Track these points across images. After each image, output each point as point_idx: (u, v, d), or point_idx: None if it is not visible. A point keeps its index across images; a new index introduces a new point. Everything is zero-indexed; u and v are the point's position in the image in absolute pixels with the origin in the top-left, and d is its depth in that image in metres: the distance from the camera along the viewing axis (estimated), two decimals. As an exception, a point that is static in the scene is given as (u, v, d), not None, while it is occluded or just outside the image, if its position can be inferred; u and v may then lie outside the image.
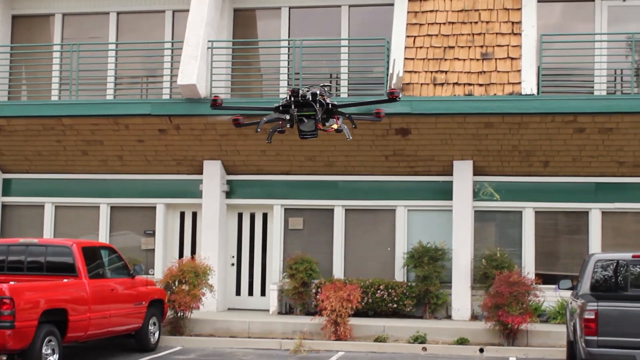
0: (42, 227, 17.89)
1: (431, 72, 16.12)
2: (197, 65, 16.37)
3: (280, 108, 10.56)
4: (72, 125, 17.09)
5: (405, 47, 16.28)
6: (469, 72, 16.00)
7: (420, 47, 16.33)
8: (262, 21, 18.19)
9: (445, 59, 16.16)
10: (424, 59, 16.22)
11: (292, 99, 10.37)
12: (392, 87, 15.97)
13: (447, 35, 16.33)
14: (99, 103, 17.16)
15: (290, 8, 17.74)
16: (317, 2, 17.65)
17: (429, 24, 16.47)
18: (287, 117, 10.50)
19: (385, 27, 16.88)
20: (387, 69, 16.29)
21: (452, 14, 16.47)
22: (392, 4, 16.80)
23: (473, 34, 16.26)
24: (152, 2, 18.24)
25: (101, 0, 18.42)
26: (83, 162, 17.64)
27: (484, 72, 15.94)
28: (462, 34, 16.28)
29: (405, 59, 16.20)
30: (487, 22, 16.28)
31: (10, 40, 18.72)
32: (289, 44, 17.23)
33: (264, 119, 10.79)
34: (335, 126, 10.60)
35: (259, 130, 10.88)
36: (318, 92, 10.37)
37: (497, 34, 16.19)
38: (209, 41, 16.75)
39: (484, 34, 16.22)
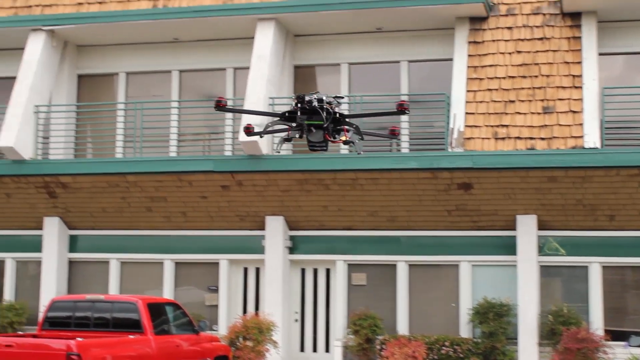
0: (107, 282, 18.27)
1: (492, 126, 16.27)
2: (259, 122, 16.65)
3: (287, 114, 10.17)
4: (136, 182, 17.49)
5: (466, 102, 16.48)
6: (530, 126, 16.12)
7: (481, 102, 16.51)
8: (322, 77, 18.55)
9: (507, 113, 16.31)
10: (484, 114, 16.39)
11: (299, 105, 9.97)
12: (453, 141, 16.15)
13: (508, 90, 16.50)
14: (162, 160, 17.56)
15: (349, 64, 18.08)
16: (377, 58, 17.98)
17: (489, 78, 16.66)
18: (294, 125, 10.11)
19: (444, 81, 17.14)
20: (448, 123, 16.48)
21: (512, 68, 16.64)
22: (452, 59, 17.06)
23: (534, 88, 16.41)
24: (213, 60, 18.71)
25: (164, 59, 18.94)
26: (147, 219, 18.01)
27: (546, 125, 16.04)
28: (523, 88, 16.44)
29: (466, 113, 16.39)
30: (547, 76, 16.43)
31: (76, 99, 19.32)
32: (349, 100, 17.50)
33: (269, 123, 10.47)
34: (343, 138, 10.19)
35: (262, 136, 10.78)
36: (324, 97, 9.97)
37: (558, 87, 16.32)
38: (270, 98, 17.10)
39: (545, 87, 16.36)
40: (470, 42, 17.02)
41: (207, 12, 17.98)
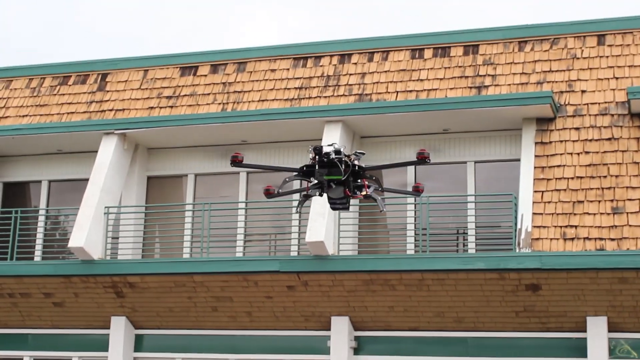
0: (172, 382, 18.61)
1: (561, 226, 16.45)
2: (325, 223, 17.13)
3: (305, 169, 10.00)
4: (202, 282, 17.95)
5: (534, 202, 16.73)
6: (599, 227, 16.27)
7: (549, 202, 16.75)
8: (388, 177, 18.78)
9: (575, 214, 16.51)
10: (552, 214, 16.61)
11: (316, 158, 9.77)
12: (521, 242, 16.36)
13: (576, 190, 16.73)
14: (229, 260, 18.01)
15: (416, 165, 18.50)
16: (443, 159, 18.41)
17: (556, 178, 16.94)
18: (313, 180, 9.87)
19: (511, 182, 17.48)
20: (515, 224, 16.72)
21: (580, 168, 16.92)
22: (518, 160, 17.44)
23: (602, 188, 16.62)
24: (280, 161, 19.28)
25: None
26: (213, 318, 18.39)
27: (615, 226, 16.18)
28: (592, 189, 16.66)
29: (534, 213, 16.63)
30: (616, 176, 16.66)
31: (145, 200, 20.06)
32: (415, 200, 17.88)
33: (286, 179, 10.28)
34: (364, 193, 9.95)
35: (280, 191, 10.41)
36: (342, 149, 9.78)
37: (627, 187, 16.51)
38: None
39: (614, 188, 16.57)
40: (537, 143, 17.39)
41: (275, 115, 18.71)
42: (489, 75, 18.44)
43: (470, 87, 18.40)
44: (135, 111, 20.40)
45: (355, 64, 19.53)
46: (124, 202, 19.66)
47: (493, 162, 18.25)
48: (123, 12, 48.67)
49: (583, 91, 17.76)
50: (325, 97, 19.28)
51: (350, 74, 19.43)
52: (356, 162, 9.84)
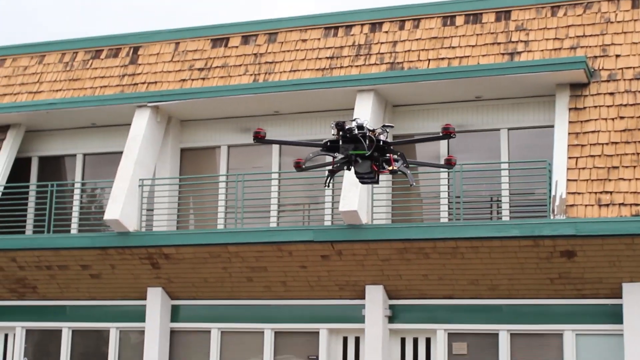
0: (208, 352, 18.75)
1: (595, 193, 16.33)
2: (358, 193, 17.13)
3: (329, 144, 9.86)
4: (237, 253, 18.04)
5: (568, 169, 16.61)
6: (635, 192, 16.13)
7: (583, 168, 16.62)
8: (422, 145, 18.74)
9: (610, 180, 16.38)
10: (587, 180, 16.49)
11: (340, 134, 9.57)
12: (556, 209, 16.27)
13: (611, 156, 16.59)
14: (263, 231, 18.08)
15: (440, 139, 18.35)
16: (476, 126, 18.36)
17: (591, 144, 16.79)
18: (338, 155, 9.74)
19: (545, 149, 17.37)
20: (550, 191, 16.63)
21: (614, 134, 16.76)
22: (552, 126, 17.31)
23: (638, 154, 16.45)
24: (313, 132, 19.29)
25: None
26: (248, 289, 18.50)
27: (651, 191, 16.04)
28: (627, 154, 16.50)
29: (568, 180, 16.51)
30: (651, 142, 16.48)
31: (179, 172, 20.15)
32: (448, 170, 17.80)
33: (310, 154, 10.16)
34: (390, 167, 9.81)
35: (305, 166, 10.35)
36: (365, 124, 9.59)
37: (663, 152, 16.35)
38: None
39: (650, 153, 16.40)
40: (571, 109, 17.24)
41: (306, 85, 18.68)
42: (521, 41, 18.25)
43: (503, 54, 18.22)
44: (167, 84, 20.45)
45: (387, 32, 19.41)
46: (158, 174, 19.76)
47: (526, 129, 18.12)
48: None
49: (617, 55, 17.53)
50: (357, 66, 19.20)
51: (382, 43, 19.32)
52: (381, 137, 9.69)
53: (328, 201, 18.68)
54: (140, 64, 21.02)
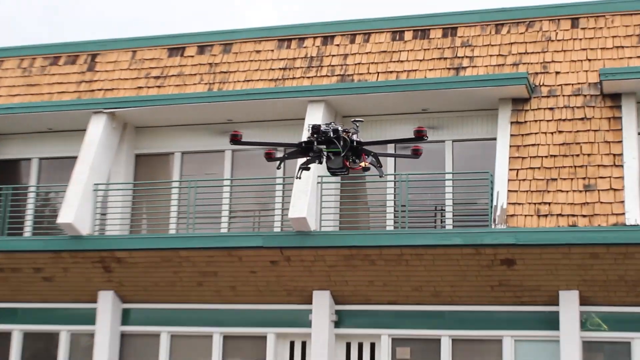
0: (157, 355, 18.77)
1: (535, 203, 16.63)
2: (307, 200, 17.26)
3: (303, 145, 10.13)
4: (188, 257, 18.09)
5: (509, 180, 16.89)
6: (572, 204, 16.45)
7: (524, 180, 16.91)
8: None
9: (549, 191, 16.68)
10: (527, 191, 16.78)
11: (315, 136, 9.89)
12: (497, 218, 16.53)
13: (550, 168, 16.89)
14: (214, 236, 18.15)
15: (395, 145, 18.61)
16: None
17: (531, 157, 17.10)
18: (312, 154, 10.05)
19: (487, 160, 17.66)
20: (491, 201, 16.89)
21: (553, 147, 17.08)
22: (495, 139, 17.61)
23: (575, 167, 16.78)
24: (264, 140, 19.34)
25: (217, 140, 19.74)
26: (198, 293, 18.56)
27: (587, 203, 16.37)
28: (564, 167, 16.82)
29: (509, 191, 16.79)
30: (588, 155, 16.82)
31: (133, 178, 20.16)
32: (395, 178, 18.05)
33: (285, 154, 10.50)
34: (363, 164, 10.17)
35: (280, 166, 10.85)
36: (340, 128, 9.90)
37: (599, 166, 16.69)
38: (318, 176, 17.70)
39: (586, 166, 16.73)
40: (513, 123, 17.53)
41: (259, 95, 18.81)
42: (466, 56, 18.55)
43: (449, 68, 18.50)
44: (124, 91, 20.46)
45: (338, 45, 19.63)
46: (112, 179, 19.75)
47: (470, 141, 18.40)
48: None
49: (557, 72, 17.88)
50: (309, 77, 19.38)
51: (333, 55, 19.53)
52: (354, 137, 9.96)
53: (278, 208, 18.81)
54: (97, 71, 21.01)
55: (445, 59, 18.67)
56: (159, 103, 19.39)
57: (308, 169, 10.62)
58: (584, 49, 18.01)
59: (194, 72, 20.29)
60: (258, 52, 20.11)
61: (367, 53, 19.30)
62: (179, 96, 19.41)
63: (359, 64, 19.22)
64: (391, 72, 18.84)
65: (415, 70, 18.67)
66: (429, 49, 18.93)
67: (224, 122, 19.76)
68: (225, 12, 48.05)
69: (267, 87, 19.35)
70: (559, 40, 18.24)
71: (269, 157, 10.85)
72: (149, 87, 20.35)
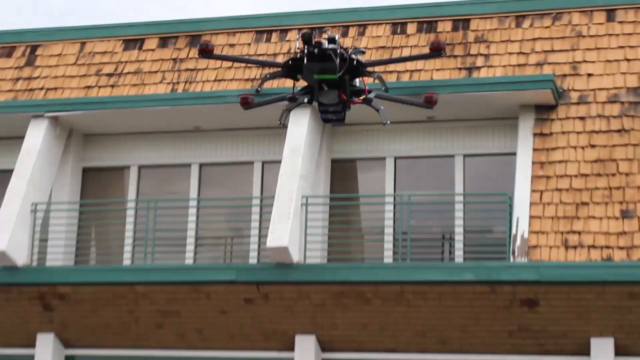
0: (108, 411, 18.52)
1: (562, 232, 16.51)
2: (290, 225, 17.07)
3: (290, 63, 9.44)
4: (146, 294, 17.88)
5: (531, 204, 16.77)
6: (607, 233, 16.32)
7: (549, 204, 16.80)
8: (364, 173, 19.00)
9: (579, 218, 16.55)
10: (552, 218, 16.66)
11: (305, 49, 9.11)
12: (516, 250, 16.36)
13: (580, 190, 16.78)
14: (177, 269, 18.00)
15: (396, 158, 18.48)
16: (428, 152, 18.46)
17: (558, 176, 16.98)
18: (300, 77, 9.27)
19: (505, 180, 17.53)
20: (510, 228, 16.74)
21: (585, 164, 16.95)
22: (514, 154, 17.48)
23: (611, 188, 16.66)
24: (238, 152, 19.28)
25: (182, 152, 19.59)
26: (157, 336, 18.35)
27: (625, 232, 16.24)
28: (598, 188, 16.72)
29: (531, 217, 16.68)
30: (626, 175, 16.72)
31: (80, 196, 19.92)
32: (394, 200, 17.86)
33: (267, 75, 9.79)
34: (363, 96, 9.56)
35: (260, 89, 10.08)
36: (337, 37, 9.26)
37: (638, 188, 16.56)
38: (303, 196, 17.46)
39: (624, 188, 16.62)
40: (536, 134, 17.44)
41: (233, 98, 18.49)
42: (481, 54, 18.44)
43: (460, 69, 18.40)
44: (70, 91, 20.31)
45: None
46: (54, 197, 19.52)
47: (485, 156, 18.27)
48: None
49: (589, 75, 17.77)
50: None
51: (321, 51, 19.29)
52: (354, 57, 9.32)
53: (254, 235, 18.63)
54: (38, 67, 20.85)
55: (455, 57, 18.54)
56: (112, 106, 19.23)
57: (296, 105, 9.79)
58: (621, 47, 17.88)
59: (155, 69, 20.16)
60: (232, 46, 19.95)
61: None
62: (136, 98, 19.23)
63: (352, 62, 18.99)
64: (391, 72, 18.63)
65: (420, 70, 18.53)
66: (436, 45, 18.72)
67: (190, 130, 19.59)
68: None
69: (243, 88, 19.12)
70: (591, 36, 18.15)
71: (246, 103, 10.02)
72: (100, 87, 20.23)
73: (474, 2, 19.06)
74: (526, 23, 18.57)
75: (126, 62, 20.37)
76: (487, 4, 18.93)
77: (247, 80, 19.39)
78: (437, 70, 18.45)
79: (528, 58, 18.19)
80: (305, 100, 9.50)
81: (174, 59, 20.11)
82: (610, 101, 17.44)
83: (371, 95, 9.37)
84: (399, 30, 19.18)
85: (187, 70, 19.89)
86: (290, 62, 9.26)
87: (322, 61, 8.94)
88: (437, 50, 9.04)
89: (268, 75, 9.60)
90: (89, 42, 20.86)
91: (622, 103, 17.36)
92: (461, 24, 18.89)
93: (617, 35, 18.06)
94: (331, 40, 9.08)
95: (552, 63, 18.00)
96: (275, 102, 9.63)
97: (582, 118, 17.41)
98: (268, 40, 19.90)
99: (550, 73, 17.63)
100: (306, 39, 8.96)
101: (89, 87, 20.22)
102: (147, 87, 19.93)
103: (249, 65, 19.50)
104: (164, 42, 20.45)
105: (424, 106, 9.78)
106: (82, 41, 20.91)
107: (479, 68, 18.30)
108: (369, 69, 9.27)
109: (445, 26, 18.95)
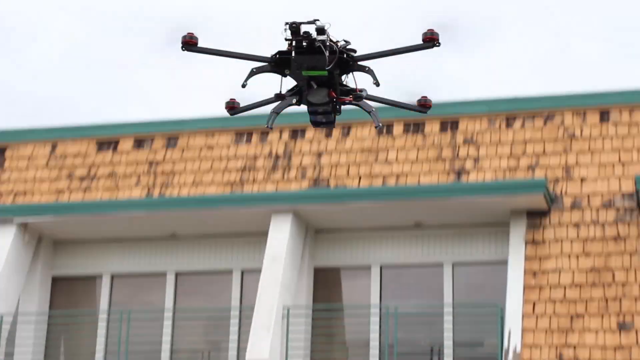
0: None
1: (556, 346, 16.61)
2: (270, 337, 17.18)
3: (277, 57, 9.16)
4: (117, 411, 17.88)
5: (523, 315, 16.92)
6: (603, 347, 16.44)
7: (542, 315, 16.94)
8: (348, 282, 19.14)
9: (573, 330, 16.69)
10: (546, 330, 16.79)
11: (293, 40, 8.86)
12: (508, 364, 16.50)
13: (575, 301, 16.94)
14: (150, 383, 18.02)
15: (381, 266, 18.67)
16: (415, 259, 18.64)
17: (551, 286, 17.16)
18: (287, 72, 9.02)
19: (496, 289, 17.71)
20: (502, 341, 16.86)
21: (579, 273, 17.15)
22: (505, 262, 17.69)
23: (607, 299, 16.82)
24: (216, 260, 19.41)
25: (157, 259, 19.75)
26: None
27: (622, 346, 16.37)
28: (593, 299, 16.87)
29: (524, 329, 16.79)
30: (623, 284, 16.90)
31: (49, 306, 20.01)
32: (380, 310, 17.99)
33: (254, 69, 9.20)
34: (353, 94, 9.17)
35: (245, 83, 9.67)
36: (327, 28, 8.90)
37: (636, 298, 16.74)
38: (284, 307, 17.66)
39: (621, 298, 16.79)
40: (528, 242, 17.64)
41: (211, 203, 18.86)
42: (470, 157, 18.77)
43: (448, 172, 18.70)
44: (40, 195, 20.52)
45: (310, 140, 19.80)
46: (22, 308, 19.60)
47: (475, 265, 18.50)
48: (32, 70, 48.59)
49: (583, 179, 18.10)
50: (273, 181, 19.48)
51: (304, 153, 19.68)
52: (345, 50, 9.03)
53: (233, 347, 18.69)
54: (6, 169, 21.08)
55: (443, 159, 18.87)
56: (84, 211, 19.44)
57: (284, 106, 9.35)
58: (616, 150, 18.24)
59: (130, 172, 20.41)
60: (210, 147, 20.28)
61: (346, 151, 19.45)
62: (109, 204, 19.48)
63: (336, 164, 19.36)
64: (376, 175, 18.97)
65: (407, 174, 18.85)
66: (423, 147, 19.12)
67: (166, 237, 19.78)
68: (169, 95, 48.29)
69: (222, 193, 19.46)
70: (584, 138, 18.49)
71: (232, 109, 9.93)
72: (71, 191, 20.43)
73: (462, 102, 19.46)
74: (517, 124, 18.89)
75: (100, 164, 20.59)
76: (476, 104, 19.31)
77: (225, 184, 19.62)
78: (425, 174, 18.77)
79: (519, 161, 18.48)
80: (294, 101, 9.28)
81: (150, 162, 20.35)
82: (606, 206, 17.70)
83: (362, 93, 9.36)
84: (385, 130, 19.52)
85: (163, 173, 20.13)
86: (277, 55, 9.06)
87: (311, 54, 8.91)
88: (430, 41, 8.71)
89: (255, 70, 9.51)
90: (61, 143, 21.08)
91: (618, 209, 17.65)
92: (450, 124, 19.23)
93: (612, 137, 18.38)
94: (320, 31, 8.84)
95: (544, 166, 18.30)
96: (263, 106, 9.73)
97: (576, 224, 17.65)
98: (248, 141, 20.15)
99: (542, 177, 17.96)
100: (294, 30, 8.80)
101: (60, 191, 20.44)
102: (121, 191, 20.15)
103: (228, 166, 19.80)
104: (139, 143, 20.71)
105: (418, 110, 9.64)
106: (53, 142, 21.16)
107: (468, 172, 18.58)
108: (360, 63, 9.32)
109: (433, 127, 19.27)
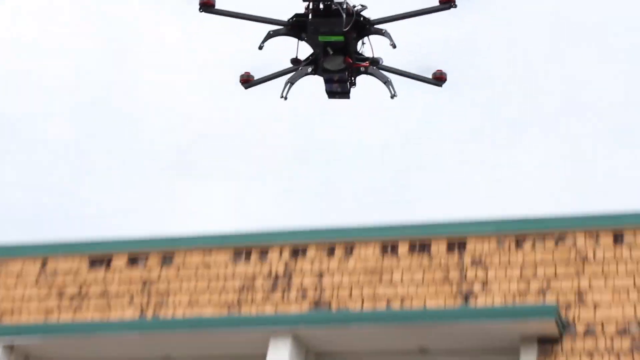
0: None
1: None
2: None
3: (293, 21, 9.49)
4: None
5: None
6: None
7: None
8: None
9: None
10: None
11: (310, 2, 9.27)
12: None
13: None
14: None
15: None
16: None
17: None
18: (304, 36, 9.43)
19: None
20: None
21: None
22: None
23: None
24: None
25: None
26: None
27: None
28: None
29: None
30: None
31: None
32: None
33: (271, 32, 9.75)
34: (370, 59, 9.65)
35: (262, 45, 9.80)
36: None
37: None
38: None
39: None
40: (539, 370, 17.80)
41: (207, 326, 19.10)
42: (478, 280, 18.96)
43: (455, 295, 18.87)
44: (28, 314, 20.65)
45: (312, 260, 20.11)
46: None
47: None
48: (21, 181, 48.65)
49: (596, 304, 18.20)
50: (272, 302, 19.73)
51: (305, 274, 19.97)
52: (362, 14, 9.45)
53: None
54: (-7, 287, 21.21)
55: (450, 282, 19.08)
56: (74, 332, 19.59)
57: (300, 75, 9.76)
58: (630, 274, 18.40)
59: (123, 290, 20.57)
60: (207, 266, 20.51)
61: (349, 272, 19.76)
62: (101, 325, 19.62)
63: (338, 286, 19.64)
64: (380, 298, 19.23)
65: (412, 296, 19.07)
66: (429, 268, 19.39)
67: (159, 358, 19.93)
68: (165, 211, 48.25)
69: (218, 314, 19.67)
70: (598, 261, 18.67)
71: (247, 81, 10.13)
72: (61, 310, 20.57)
73: (470, 222, 19.73)
74: (527, 245, 19.12)
75: (91, 282, 20.78)
76: (484, 224, 19.56)
77: (222, 305, 19.84)
78: (431, 297, 19.07)
79: (529, 284, 18.65)
80: (309, 70, 9.72)
81: (144, 281, 20.56)
82: (620, 334, 17.76)
83: (379, 58, 9.67)
84: (389, 251, 19.79)
85: (157, 292, 20.33)
86: (294, 18, 9.51)
87: (327, 17, 9.26)
88: (446, 2, 9.31)
89: (271, 32, 9.80)
90: (51, 259, 21.28)
91: (633, 337, 17.68)
92: (457, 245, 19.47)
93: (626, 260, 18.57)
94: None
95: (555, 290, 18.46)
96: (278, 77, 9.96)
97: (589, 353, 17.69)
98: (247, 259, 20.36)
99: (553, 301, 18.12)
100: None
101: (49, 310, 20.61)
102: (113, 311, 20.30)
103: (225, 285, 20.05)
104: (133, 261, 20.93)
105: (434, 83, 9.90)
106: (43, 258, 21.34)
107: (476, 295, 18.78)
108: (377, 26, 9.64)
109: (439, 247, 19.53)
